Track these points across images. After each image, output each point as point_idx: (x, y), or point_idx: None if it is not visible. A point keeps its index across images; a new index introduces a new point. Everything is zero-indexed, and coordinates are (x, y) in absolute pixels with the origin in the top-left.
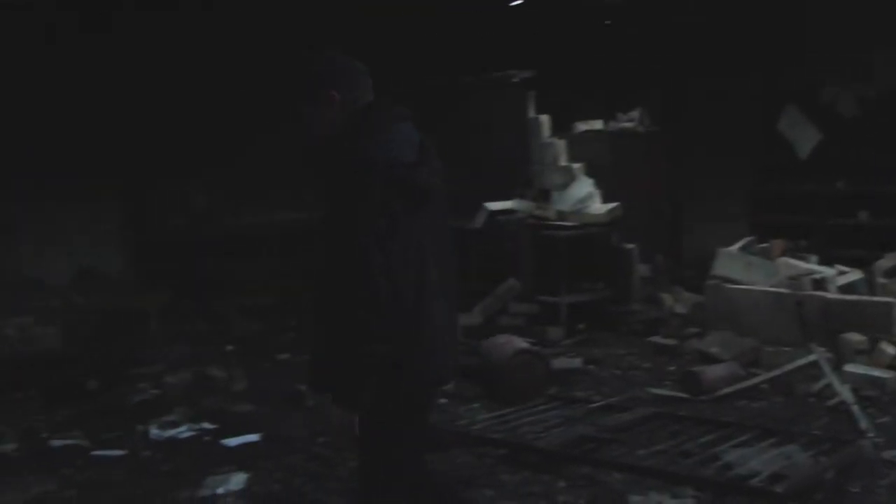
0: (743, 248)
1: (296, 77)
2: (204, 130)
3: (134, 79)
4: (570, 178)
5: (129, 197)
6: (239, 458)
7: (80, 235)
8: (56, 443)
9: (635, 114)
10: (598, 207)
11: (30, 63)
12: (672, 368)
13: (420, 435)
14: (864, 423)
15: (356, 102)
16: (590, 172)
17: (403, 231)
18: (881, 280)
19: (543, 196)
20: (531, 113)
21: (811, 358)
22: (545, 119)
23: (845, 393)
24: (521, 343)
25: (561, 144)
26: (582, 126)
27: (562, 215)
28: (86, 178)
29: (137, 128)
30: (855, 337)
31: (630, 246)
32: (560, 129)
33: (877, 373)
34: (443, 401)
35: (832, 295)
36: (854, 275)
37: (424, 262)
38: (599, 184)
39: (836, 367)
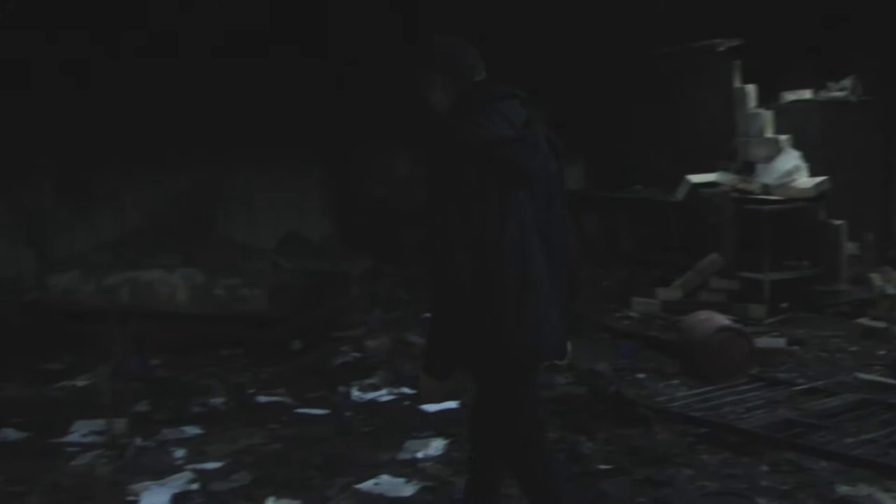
0: None
1: (406, 63)
2: (409, 101)
3: (340, 48)
4: (776, 150)
5: (334, 166)
6: (437, 424)
7: (287, 202)
8: (262, 399)
9: (847, 83)
10: (805, 181)
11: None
12: (881, 353)
13: (536, 407)
14: None
15: (462, 84)
16: (797, 144)
17: (502, 208)
18: None
19: (748, 169)
20: (736, 83)
21: None
22: (751, 89)
23: None
24: (724, 320)
25: (767, 115)
26: (789, 96)
27: (767, 189)
28: (294, 147)
29: (343, 98)
30: None
31: (838, 222)
32: (766, 99)
33: None
34: (641, 376)
35: None
36: None
37: (528, 239)
38: (807, 156)
39: None
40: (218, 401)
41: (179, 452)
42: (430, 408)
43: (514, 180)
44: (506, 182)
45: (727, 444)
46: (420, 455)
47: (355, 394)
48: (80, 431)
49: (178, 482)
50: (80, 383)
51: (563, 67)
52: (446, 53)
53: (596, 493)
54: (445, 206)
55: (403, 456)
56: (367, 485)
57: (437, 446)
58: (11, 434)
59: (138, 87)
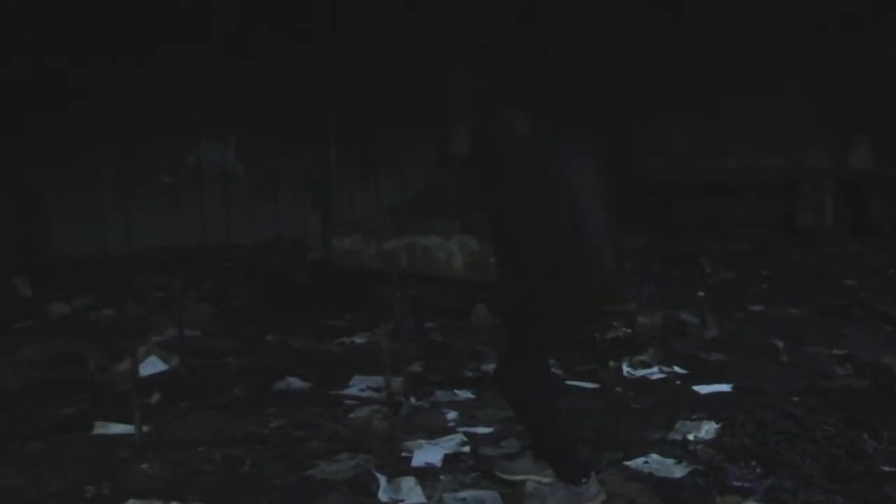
0: None
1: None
2: (689, 72)
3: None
4: None
5: (610, 138)
6: (709, 407)
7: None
8: None
9: None
10: None
11: None
12: None
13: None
14: None
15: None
16: None
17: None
18: None
19: None
20: None
21: None
22: None
23: None
24: None
25: None
26: None
27: None
28: (566, 120)
29: (619, 68)
30: None
31: None
32: None
33: None
34: None
35: None
36: None
37: (575, 195)
38: None
39: None
40: (490, 367)
41: (451, 415)
42: (703, 389)
43: (550, 155)
44: (545, 156)
45: None
46: (691, 437)
47: (626, 370)
48: (358, 386)
49: (450, 443)
50: (358, 340)
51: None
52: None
53: (879, 496)
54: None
55: (674, 436)
56: (636, 462)
57: (708, 429)
58: (296, 383)
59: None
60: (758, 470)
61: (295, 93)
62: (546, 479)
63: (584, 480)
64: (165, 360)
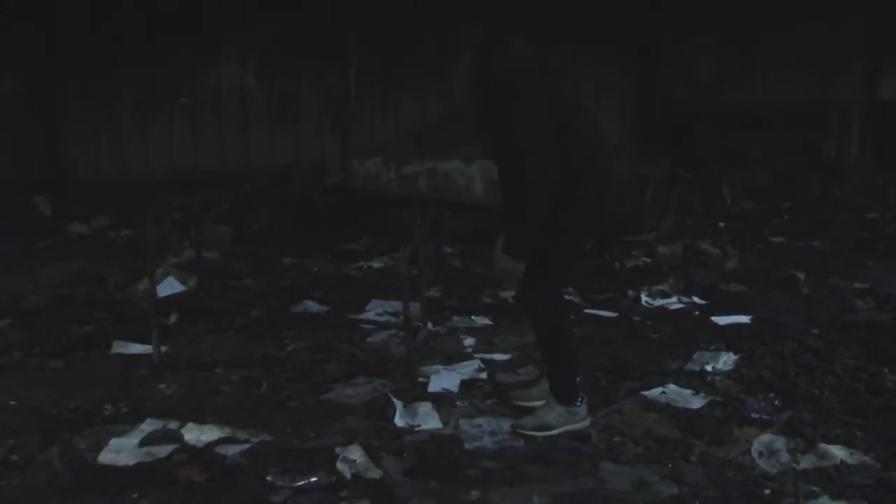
0: None
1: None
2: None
3: None
4: None
5: (634, 62)
6: (728, 338)
7: (584, 99)
8: None
9: None
10: None
11: None
12: None
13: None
14: None
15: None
16: None
17: (554, 114)
18: None
19: None
20: None
21: None
22: None
23: None
24: None
25: None
26: None
27: None
28: (593, 42)
29: None
30: None
31: None
32: None
33: None
34: None
35: None
36: None
37: (577, 142)
38: None
39: None
40: (508, 293)
41: (469, 340)
42: (722, 320)
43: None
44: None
45: None
46: (709, 367)
47: (645, 299)
48: (376, 310)
49: (467, 369)
50: (376, 265)
51: None
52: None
53: None
54: (517, 119)
55: (692, 367)
56: (653, 392)
57: (726, 360)
58: (313, 306)
59: None
60: (776, 402)
61: (316, 13)
62: None
63: (577, 402)
64: (183, 282)
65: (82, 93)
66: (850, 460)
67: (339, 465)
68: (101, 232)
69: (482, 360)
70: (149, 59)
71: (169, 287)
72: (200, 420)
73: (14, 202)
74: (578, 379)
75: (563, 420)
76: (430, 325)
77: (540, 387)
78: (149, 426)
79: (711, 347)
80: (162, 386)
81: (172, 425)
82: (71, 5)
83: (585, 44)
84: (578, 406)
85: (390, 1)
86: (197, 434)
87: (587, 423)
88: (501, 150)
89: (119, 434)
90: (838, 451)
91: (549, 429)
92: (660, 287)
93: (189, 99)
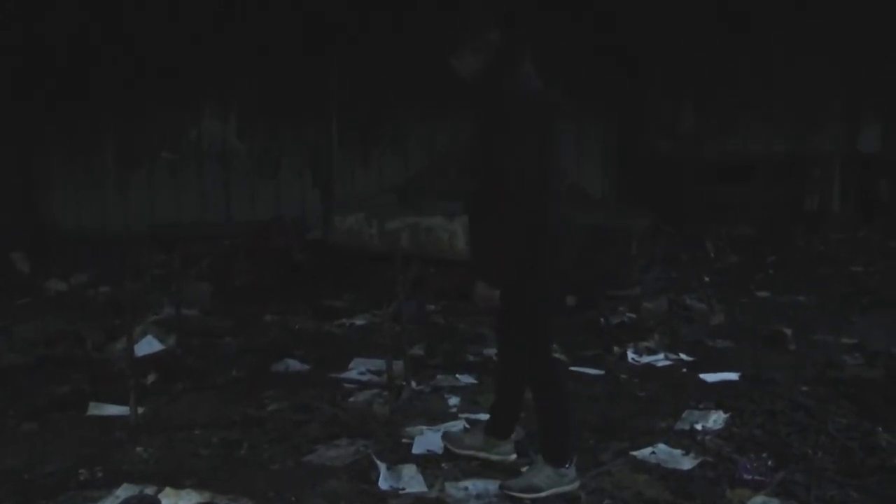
0: None
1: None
2: (695, 51)
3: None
4: None
5: (618, 117)
6: (717, 395)
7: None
8: None
9: None
10: None
11: None
12: None
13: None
14: None
15: (494, 46)
16: None
17: (539, 149)
18: None
19: None
20: None
21: None
22: None
23: None
24: None
25: None
26: None
27: None
28: (578, 98)
29: (628, 49)
30: None
31: None
32: None
33: None
34: None
35: None
36: None
37: (554, 171)
38: None
39: None
40: (492, 351)
41: (453, 400)
42: (710, 377)
43: (546, 124)
44: (540, 127)
45: None
46: (699, 426)
47: (631, 356)
48: (358, 369)
49: (452, 429)
50: (359, 322)
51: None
52: (479, 21)
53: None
54: (506, 147)
55: (681, 426)
56: (643, 452)
57: (716, 419)
58: (294, 365)
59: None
60: (769, 462)
61: (297, 70)
62: (494, 458)
63: (567, 465)
64: (162, 340)
65: (61, 147)
66: None
67: None
68: (80, 289)
69: (467, 419)
70: (129, 113)
71: (148, 346)
72: (178, 484)
73: None
74: (573, 440)
75: (552, 482)
76: (413, 384)
77: (475, 435)
78: (125, 492)
79: (700, 406)
80: (139, 449)
81: (149, 490)
82: (48, 59)
83: (572, 98)
84: (567, 468)
85: (371, 56)
86: (175, 499)
87: (576, 484)
88: (482, 167)
89: (94, 500)
90: None
91: (538, 490)
92: (646, 343)
93: (170, 154)
